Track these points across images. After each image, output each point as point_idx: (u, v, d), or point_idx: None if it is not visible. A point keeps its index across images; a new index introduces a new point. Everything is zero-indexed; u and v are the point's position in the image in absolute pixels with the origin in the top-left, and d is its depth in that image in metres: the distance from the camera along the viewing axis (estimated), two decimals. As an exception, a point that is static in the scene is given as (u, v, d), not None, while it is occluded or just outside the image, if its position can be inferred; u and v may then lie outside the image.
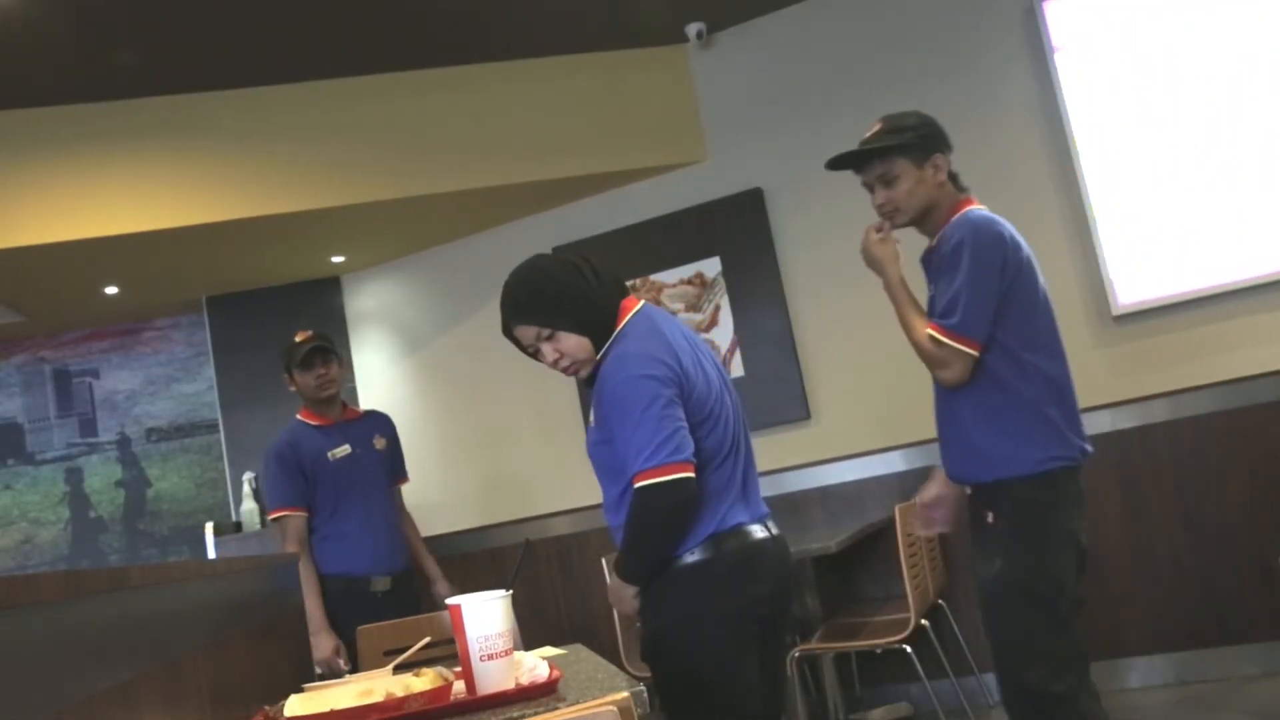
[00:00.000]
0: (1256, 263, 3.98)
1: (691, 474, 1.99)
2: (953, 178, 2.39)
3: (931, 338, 2.27)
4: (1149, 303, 4.12)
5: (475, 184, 4.69)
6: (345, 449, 3.54)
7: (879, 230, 2.42)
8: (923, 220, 2.39)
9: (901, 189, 2.34)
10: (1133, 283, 4.13)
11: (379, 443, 3.65)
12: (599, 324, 2.13)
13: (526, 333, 2.16)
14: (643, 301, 2.21)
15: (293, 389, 3.62)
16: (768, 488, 4.64)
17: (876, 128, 2.38)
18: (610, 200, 5.05)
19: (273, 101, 4.54)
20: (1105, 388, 4.17)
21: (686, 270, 4.87)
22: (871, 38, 4.60)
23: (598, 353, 2.14)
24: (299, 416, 3.64)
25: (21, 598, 1.03)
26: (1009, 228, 2.33)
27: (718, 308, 4.82)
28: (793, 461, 4.58)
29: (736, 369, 4.76)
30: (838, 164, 2.41)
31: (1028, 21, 4.35)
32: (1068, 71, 4.22)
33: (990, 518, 2.27)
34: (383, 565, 3.49)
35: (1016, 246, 2.30)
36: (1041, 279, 2.38)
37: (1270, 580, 3.88)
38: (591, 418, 2.16)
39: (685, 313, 4.82)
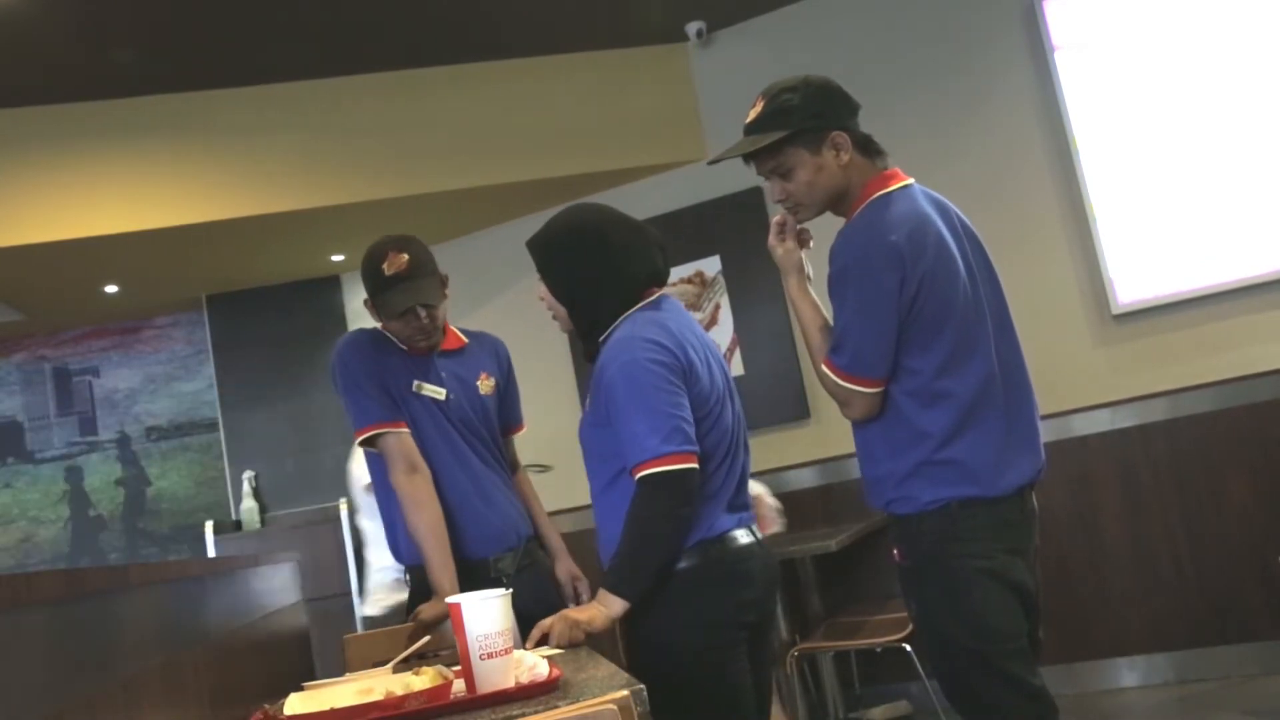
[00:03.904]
0: (1256, 261, 3.97)
1: (696, 465, 1.93)
2: (864, 144, 2.03)
3: (826, 375, 2.00)
4: (1149, 301, 4.12)
5: (475, 182, 4.69)
6: (438, 390, 2.51)
7: (782, 227, 2.11)
8: (835, 205, 2.05)
9: (799, 181, 2.01)
10: (1133, 281, 4.13)
11: (485, 384, 2.62)
12: (592, 309, 2.10)
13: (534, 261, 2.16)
14: (661, 293, 2.16)
15: (377, 323, 2.57)
16: (768, 487, 4.63)
17: (758, 107, 2.03)
18: (610, 199, 4.96)
19: (272, 100, 4.54)
20: (1105, 386, 4.17)
21: (686, 269, 4.87)
22: (871, 37, 4.60)
23: (593, 326, 2.11)
24: (381, 327, 2.55)
25: (21, 597, 1.03)
26: (913, 217, 1.94)
27: (718, 307, 4.82)
28: (793, 461, 4.58)
29: (736, 368, 4.75)
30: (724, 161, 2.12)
31: (1028, 21, 4.35)
32: (1068, 71, 4.22)
33: (897, 554, 2.04)
34: (504, 540, 2.53)
35: (919, 249, 1.91)
36: (963, 266, 1.98)
37: (1270, 580, 3.88)
38: (588, 400, 2.10)
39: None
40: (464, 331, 2.66)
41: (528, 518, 2.66)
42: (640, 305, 2.10)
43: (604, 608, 1.95)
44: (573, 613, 1.95)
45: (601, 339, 2.09)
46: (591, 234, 2.10)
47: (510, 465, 2.73)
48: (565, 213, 2.17)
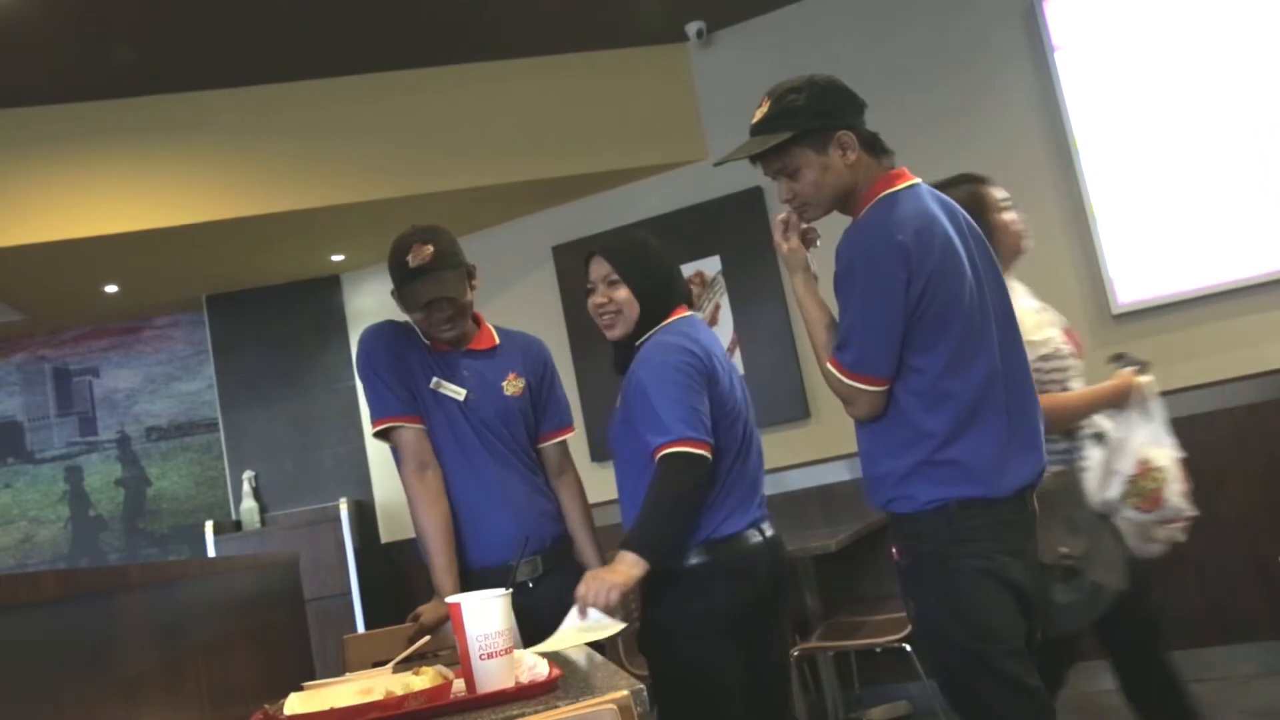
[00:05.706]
0: (1257, 261, 3.97)
1: (709, 454, 2.11)
2: (871, 142, 2.03)
3: (831, 373, 2.00)
4: (1149, 301, 4.12)
5: (475, 182, 4.69)
6: (458, 391, 2.46)
7: (786, 225, 2.11)
8: (842, 203, 2.05)
9: (806, 180, 2.01)
10: (1133, 281, 4.13)
11: (512, 385, 2.53)
12: (655, 306, 2.30)
13: (601, 267, 2.30)
14: (692, 313, 2.38)
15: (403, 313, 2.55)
16: (768, 487, 4.62)
17: (764, 107, 2.04)
18: (610, 199, 5.04)
19: (272, 100, 4.53)
20: (1105, 387, 4.16)
21: (686, 269, 4.87)
22: (871, 36, 4.60)
23: (638, 332, 2.29)
24: (408, 319, 2.55)
25: (21, 597, 1.03)
26: (920, 216, 1.94)
27: (718, 307, 4.82)
28: (792, 461, 4.58)
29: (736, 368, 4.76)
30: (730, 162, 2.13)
31: (1028, 21, 4.35)
32: (1068, 70, 4.22)
33: (895, 554, 2.05)
34: (515, 546, 2.33)
35: (926, 248, 1.90)
36: (968, 266, 1.97)
37: (1270, 579, 3.88)
38: (619, 401, 2.28)
39: (685, 312, 4.83)
40: (500, 331, 2.64)
41: (556, 522, 2.55)
42: (673, 319, 2.32)
43: (629, 568, 2.06)
44: (604, 572, 2.05)
45: (637, 344, 2.29)
46: (661, 250, 2.38)
47: (553, 469, 2.62)
48: (642, 234, 2.41)
